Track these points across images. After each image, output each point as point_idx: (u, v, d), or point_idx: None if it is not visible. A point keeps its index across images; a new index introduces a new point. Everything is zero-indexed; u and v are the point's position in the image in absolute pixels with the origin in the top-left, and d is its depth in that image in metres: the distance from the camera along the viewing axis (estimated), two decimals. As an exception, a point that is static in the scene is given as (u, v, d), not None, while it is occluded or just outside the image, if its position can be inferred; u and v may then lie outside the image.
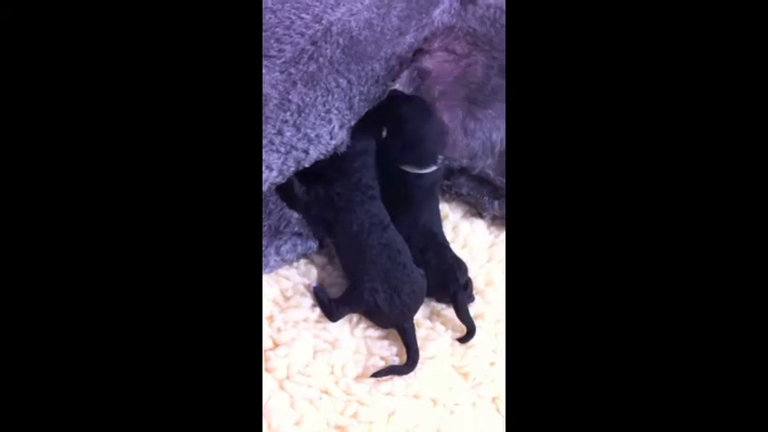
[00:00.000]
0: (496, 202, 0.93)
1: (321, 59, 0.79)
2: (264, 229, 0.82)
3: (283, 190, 0.83)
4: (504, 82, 0.90)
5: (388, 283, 0.78)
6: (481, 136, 0.90)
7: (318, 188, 0.83)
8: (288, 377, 0.75)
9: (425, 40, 0.88)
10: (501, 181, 0.92)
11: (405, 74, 0.89)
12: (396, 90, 0.87)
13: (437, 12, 0.87)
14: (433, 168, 0.87)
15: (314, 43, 0.79)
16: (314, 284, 0.82)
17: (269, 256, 0.82)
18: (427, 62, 0.91)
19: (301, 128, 0.79)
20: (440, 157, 0.87)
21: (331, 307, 0.80)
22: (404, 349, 0.78)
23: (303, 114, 0.78)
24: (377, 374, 0.76)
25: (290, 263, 0.85)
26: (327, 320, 0.80)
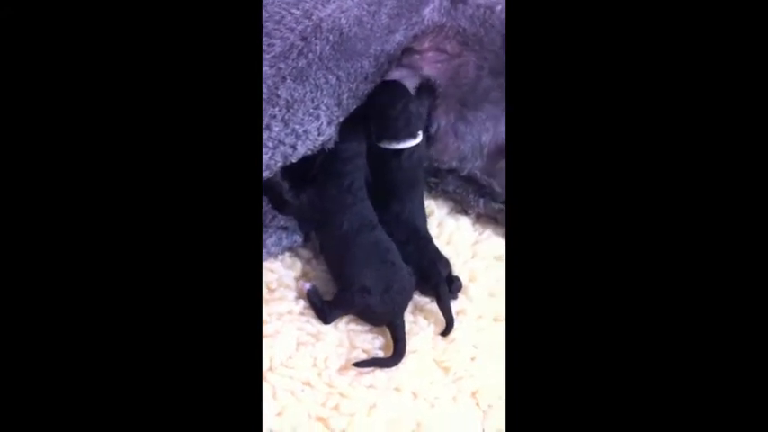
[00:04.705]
0: (482, 200, 0.94)
1: (311, 55, 0.80)
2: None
3: (271, 194, 0.84)
4: (494, 83, 0.91)
5: (378, 283, 0.79)
6: (471, 139, 0.91)
7: (308, 191, 0.84)
8: (271, 368, 0.76)
9: (415, 38, 0.89)
10: (487, 181, 0.93)
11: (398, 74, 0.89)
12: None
13: (427, 10, 0.88)
14: (411, 143, 0.87)
15: (304, 39, 0.80)
16: (307, 286, 0.82)
17: (255, 249, 0.83)
18: (419, 63, 0.91)
19: (289, 123, 0.79)
20: (419, 132, 0.87)
21: (324, 310, 0.80)
22: (387, 342, 0.79)
23: (291, 110, 0.79)
24: (359, 364, 0.77)
25: (276, 256, 0.86)
26: (311, 313, 0.81)
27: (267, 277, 0.84)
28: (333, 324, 0.81)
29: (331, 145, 0.82)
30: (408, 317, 0.82)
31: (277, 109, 0.78)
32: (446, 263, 0.86)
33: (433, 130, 0.91)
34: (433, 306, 0.83)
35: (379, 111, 0.85)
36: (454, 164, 0.92)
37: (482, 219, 0.95)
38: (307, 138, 0.80)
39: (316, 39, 0.80)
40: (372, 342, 0.80)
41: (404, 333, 0.79)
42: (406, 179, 0.88)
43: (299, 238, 0.87)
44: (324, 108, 0.81)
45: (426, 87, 0.90)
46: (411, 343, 0.79)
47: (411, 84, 0.90)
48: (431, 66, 0.92)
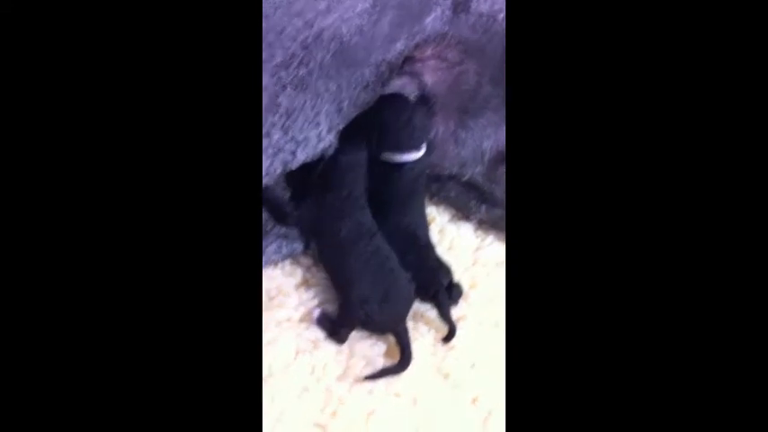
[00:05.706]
0: (483, 207, 0.94)
1: (311, 64, 0.80)
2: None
3: (271, 205, 0.85)
4: (494, 91, 0.91)
5: (376, 291, 0.79)
6: (472, 144, 0.92)
7: (308, 201, 0.85)
8: (270, 375, 0.77)
9: (417, 47, 0.89)
10: (489, 187, 0.93)
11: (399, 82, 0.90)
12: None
13: (429, 19, 0.88)
14: (414, 156, 0.87)
15: (305, 48, 0.80)
16: (316, 313, 0.82)
17: (254, 256, 0.84)
18: (420, 71, 0.92)
19: (289, 131, 0.80)
20: (423, 145, 0.88)
21: (335, 332, 0.80)
22: (387, 349, 0.80)
23: (291, 117, 0.80)
24: (370, 378, 0.77)
25: (276, 263, 0.87)
26: (310, 320, 0.81)
27: (267, 285, 0.84)
28: (331, 331, 0.81)
29: (331, 152, 0.83)
30: (408, 323, 0.82)
31: (277, 117, 0.79)
32: (447, 271, 0.85)
33: (431, 135, 0.91)
34: (433, 313, 0.83)
35: (382, 123, 0.86)
36: (455, 170, 0.92)
37: (484, 225, 0.95)
38: (306, 144, 0.81)
39: (317, 48, 0.80)
40: (372, 348, 0.80)
41: (408, 339, 0.79)
42: (406, 190, 0.88)
43: (299, 246, 0.87)
44: (324, 115, 0.81)
45: (424, 99, 0.91)
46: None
47: (411, 93, 0.91)
48: (431, 74, 0.92)
